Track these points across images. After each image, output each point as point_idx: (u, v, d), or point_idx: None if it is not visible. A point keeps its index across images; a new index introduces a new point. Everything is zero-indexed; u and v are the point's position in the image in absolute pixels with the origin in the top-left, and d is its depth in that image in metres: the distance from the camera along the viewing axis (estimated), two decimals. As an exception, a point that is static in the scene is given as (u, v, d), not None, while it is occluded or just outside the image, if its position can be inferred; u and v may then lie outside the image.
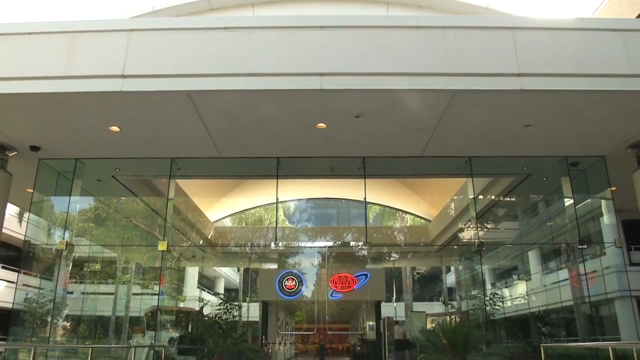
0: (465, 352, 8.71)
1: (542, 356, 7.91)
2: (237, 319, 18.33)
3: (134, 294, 21.20)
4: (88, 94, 7.92)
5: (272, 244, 15.38)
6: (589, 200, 12.56)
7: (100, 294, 22.04)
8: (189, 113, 8.57)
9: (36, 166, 10.81)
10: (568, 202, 11.76)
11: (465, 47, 8.02)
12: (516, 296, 22.38)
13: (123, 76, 7.77)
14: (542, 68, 7.86)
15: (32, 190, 11.46)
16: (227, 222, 22.12)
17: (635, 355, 6.55)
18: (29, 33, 8.16)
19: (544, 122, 9.01)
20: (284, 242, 18.86)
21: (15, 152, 10.21)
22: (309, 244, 19.88)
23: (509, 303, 21.36)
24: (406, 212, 21.60)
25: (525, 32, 8.14)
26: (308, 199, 20.57)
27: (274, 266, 22.56)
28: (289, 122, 9.14)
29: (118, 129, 9.32)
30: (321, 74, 7.77)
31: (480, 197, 14.19)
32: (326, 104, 8.37)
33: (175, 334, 12.11)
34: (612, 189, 11.27)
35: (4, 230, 10.61)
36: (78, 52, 7.96)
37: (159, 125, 9.29)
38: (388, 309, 22.86)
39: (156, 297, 18.17)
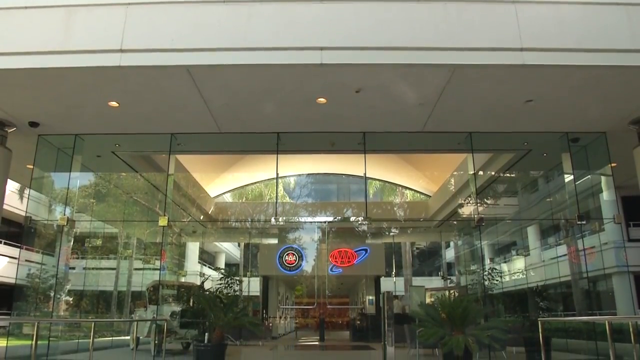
0: (463, 325, 8.81)
1: (540, 330, 8.00)
2: (237, 293, 18.53)
3: (136, 269, 21.44)
4: (86, 68, 7.84)
5: (273, 219, 15.46)
6: (589, 176, 12.56)
7: (102, 269, 22.27)
8: (188, 88, 8.51)
9: (35, 142, 10.78)
10: (568, 178, 11.77)
11: (467, 20, 7.91)
12: (515, 271, 22.59)
13: (121, 50, 7.69)
14: (545, 42, 7.77)
15: (32, 167, 11.46)
16: (228, 198, 22.18)
17: (631, 329, 6.62)
18: (25, 7, 8.03)
19: (545, 98, 8.95)
20: (284, 218, 18.93)
21: (15, 128, 10.17)
22: (309, 219, 19.97)
23: (507, 278, 21.57)
24: (406, 188, 21.64)
25: (527, 5, 8.01)
26: (308, 174, 20.59)
27: (275, 241, 22.73)
28: (289, 97, 9.08)
29: (117, 105, 9.27)
30: (321, 48, 7.69)
31: (480, 172, 14.20)
32: (326, 79, 8.31)
33: (177, 308, 12.23)
34: (612, 165, 11.25)
35: (5, 207, 10.64)
36: (75, 26, 7.86)
37: (158, 100, 9.23)
38: (387, 284, 23.11)
39: (157, 272, 18.34)
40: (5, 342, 10.86)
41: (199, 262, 27.96)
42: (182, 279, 22.54)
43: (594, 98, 8.93)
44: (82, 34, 7.84)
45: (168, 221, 11.14)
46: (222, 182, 20.25)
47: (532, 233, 23.52)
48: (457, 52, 7.76)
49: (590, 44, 7.78)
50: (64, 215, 11.18)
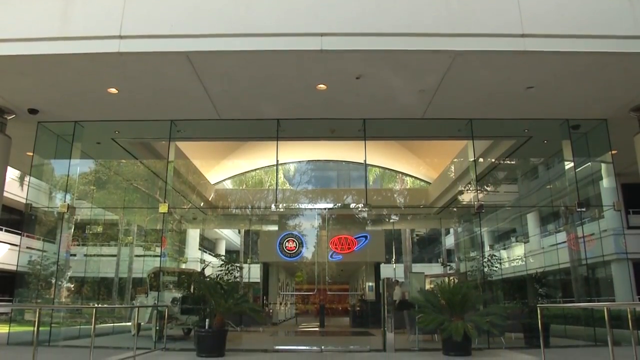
0: (462, 311, 8.86)
1: (539, 316, 8.05)
2: (238, 280, 18.59)
3: (137, 256, 21.49)
4: (85, 55, 7.82)
5: (273, 206, 15.45)
6: (589, 163, 12.56)
7: (102, 256, 22.32)
8: (187, 74, 8.48)
9: (35, 129, 10.76)
10: (568, 165, 11.76)
11: (468, 6, 7.86)
12: (514, 258, 22.66)
13: (120, 37, 7.66)
14: (546, 29, 7.73)
15: (31, 154, 11.45)
16: (228, 185, 22.16)
17: (629, 316, 6.66)
18: (23, -7, 7.99)
19: (546, 84, 8.92)
20: (285, 204, 18.93)
21: (14, 115, 10.16)
22: (309, 206, 19.95)
23: (506, 265, 21.63)
24: (406, 175, 21.62)
25: (529, -9, 7.97)
26: (308, 161, 20.55)
27: (275, 228, 22.73)
28: (289, 83, 9.05)
29: (116, 91, 9.24)
30: (321, 34, 7.65)
31: (481, 159, 14.18)
32: (326, 65, 8.27)
33: (178, 295, 12.28)
34: (613, 152, 11.25)
35: (5, 194, 10.64)
36: (74, 12, 7.82)
37: (157, 87, 9.20)
38: (387, 270, 23.16)
39: (158, 258, 18.41)
40: (8, 328, 10.93)
41: (199, 249, 28.01)
42: (183, 266, 22.59)
43: (595, 85, 8.90)
44: (80, 20, 7.80)
45: (168, 208, 11.17)
46: (222, 169, 20.22)
47: (531, 220, 23.57)
48: (458, 38, 7.73)
49: (592, 30, 7.74)
50: (65, 202, 11.20)
